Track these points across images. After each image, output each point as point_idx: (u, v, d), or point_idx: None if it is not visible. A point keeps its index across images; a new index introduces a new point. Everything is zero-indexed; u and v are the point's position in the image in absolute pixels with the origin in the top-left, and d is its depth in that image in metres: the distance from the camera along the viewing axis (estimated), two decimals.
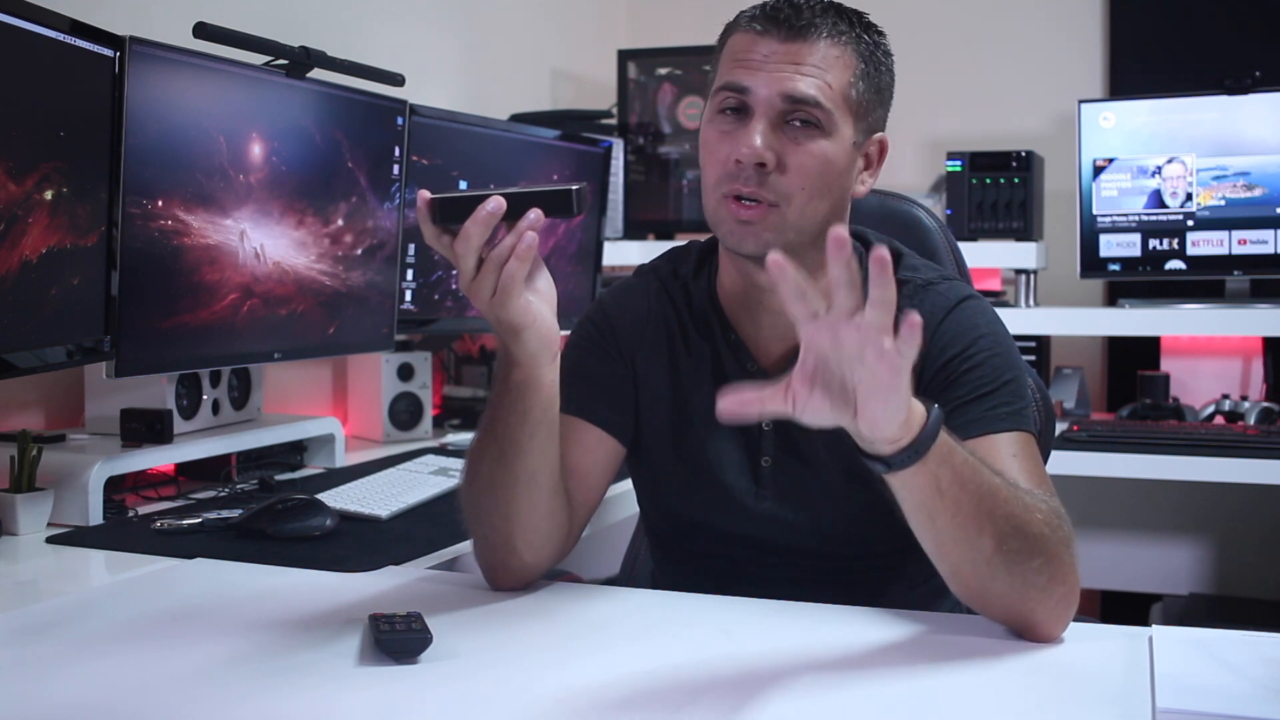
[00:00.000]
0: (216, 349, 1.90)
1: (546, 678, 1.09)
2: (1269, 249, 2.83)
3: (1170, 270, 2.91)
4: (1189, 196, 2.89)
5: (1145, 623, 1.36)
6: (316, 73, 2.02)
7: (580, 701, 1.03)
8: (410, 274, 2.36)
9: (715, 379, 1.42)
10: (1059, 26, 3.38)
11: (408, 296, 2.36)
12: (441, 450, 2.28)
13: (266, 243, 1.95)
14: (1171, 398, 2.88)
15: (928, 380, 1.32)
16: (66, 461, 1.71)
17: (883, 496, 1.17)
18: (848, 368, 1.02)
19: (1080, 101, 2.98)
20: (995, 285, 3.12)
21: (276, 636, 1.19)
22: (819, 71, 1.29)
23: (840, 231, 0.98)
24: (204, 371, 1.97)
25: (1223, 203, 2.87)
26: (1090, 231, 2.95)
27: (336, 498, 1.76)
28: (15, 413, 1.90)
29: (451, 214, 1.19)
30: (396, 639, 1.11)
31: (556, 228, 2.57)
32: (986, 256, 2.94)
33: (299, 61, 1.97)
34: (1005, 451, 1.27)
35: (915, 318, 0.98)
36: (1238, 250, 2.86)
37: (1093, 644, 1.18)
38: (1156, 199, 2.91)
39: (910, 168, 3.40)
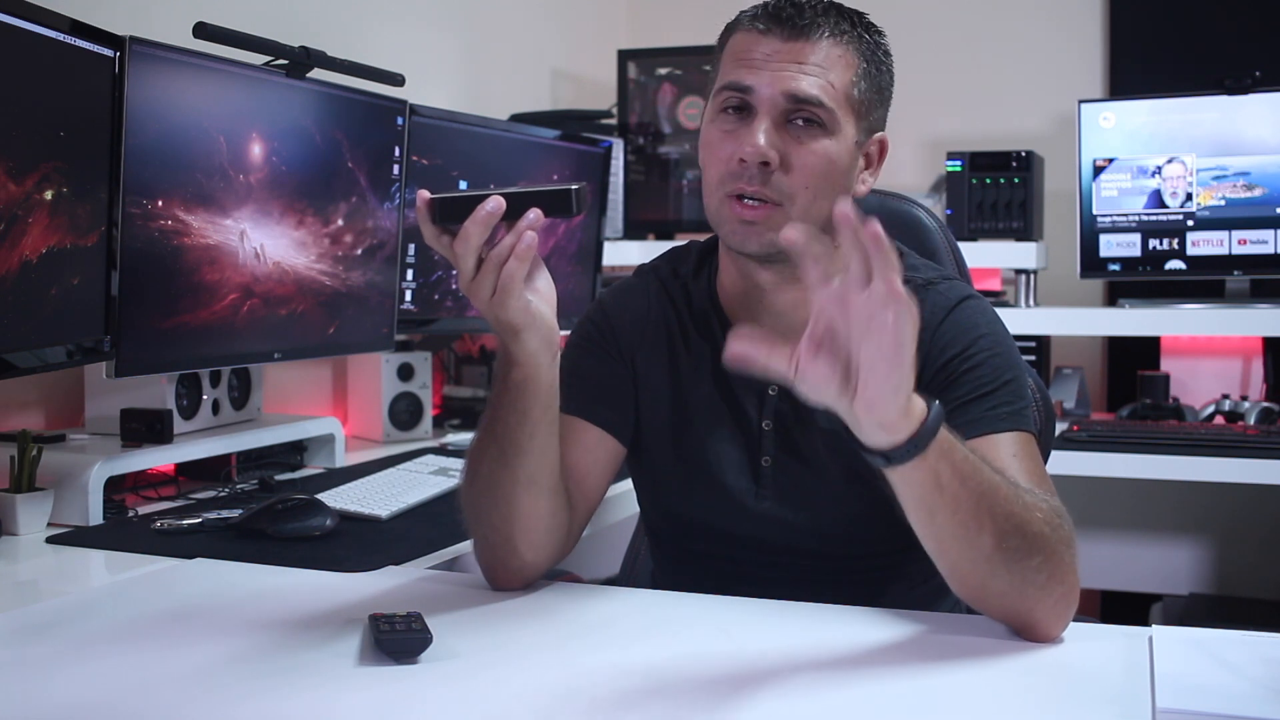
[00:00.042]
0: (216, 349, 1.90)
1: (546, 678, 1.09)
2: (1269, 249, 2.83)
3: (1170, 270, 2.91)
4: (1189, 196, 2.89)
5: (1145, 623, 1.36)
6: (316, 73, 2.02)
7: (580, 701, 1.03)
8: (410, 274, 2.36)
9: (715, 379, 1.42)
10: (1059, 26, 3.38)
11: (408, 296, 2.36)
12: (441, 450, 2.28)
13: (266, 243, 1.95)
14: (1171, 398, 2.88)
15: (928, 380, 1.31)
16: (66, 461, 1.71)
17: (883, 497, 1.17)
18: (855, 341, 1.01)
19: (1080, 101, 2.98)
20: (995, 285, 3.12)
21: (276, 636, 1.19)
22: (821, 71, 1.29)
23: (845, 206, 0.98)
24: (204, 371, 1.97)
25: (1223, 203, 2.87)
26: (1090, 231, 2.95)
27: (336, 498, 1.76)
28: (15, 413, 1.90)
29: (451, 214, 1.19)
30: (396, 639, 1.11)
31: (556, 228, 2.57)
32: (986, 256, 2.94)
33: (299, 61, 1.97)
34: (1005, 451, 1.27)
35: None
36: (1238, 250, 2.86)
37: (1093, 644, 1.18)
38: (1156, 199, 2.91)
39: (910, 168, 3.40)
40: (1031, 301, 2.94)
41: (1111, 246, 2.94)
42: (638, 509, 1.59)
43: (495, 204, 1.17)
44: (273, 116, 1.94)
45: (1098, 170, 2.95)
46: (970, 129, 3.40)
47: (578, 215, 1.22)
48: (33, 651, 1.16)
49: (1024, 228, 2.91)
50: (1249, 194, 2.85)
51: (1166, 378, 2.89)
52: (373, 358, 2.44)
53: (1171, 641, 1.15)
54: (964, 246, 1.78)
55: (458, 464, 1.95)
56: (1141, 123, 2.93)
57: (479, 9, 3.07)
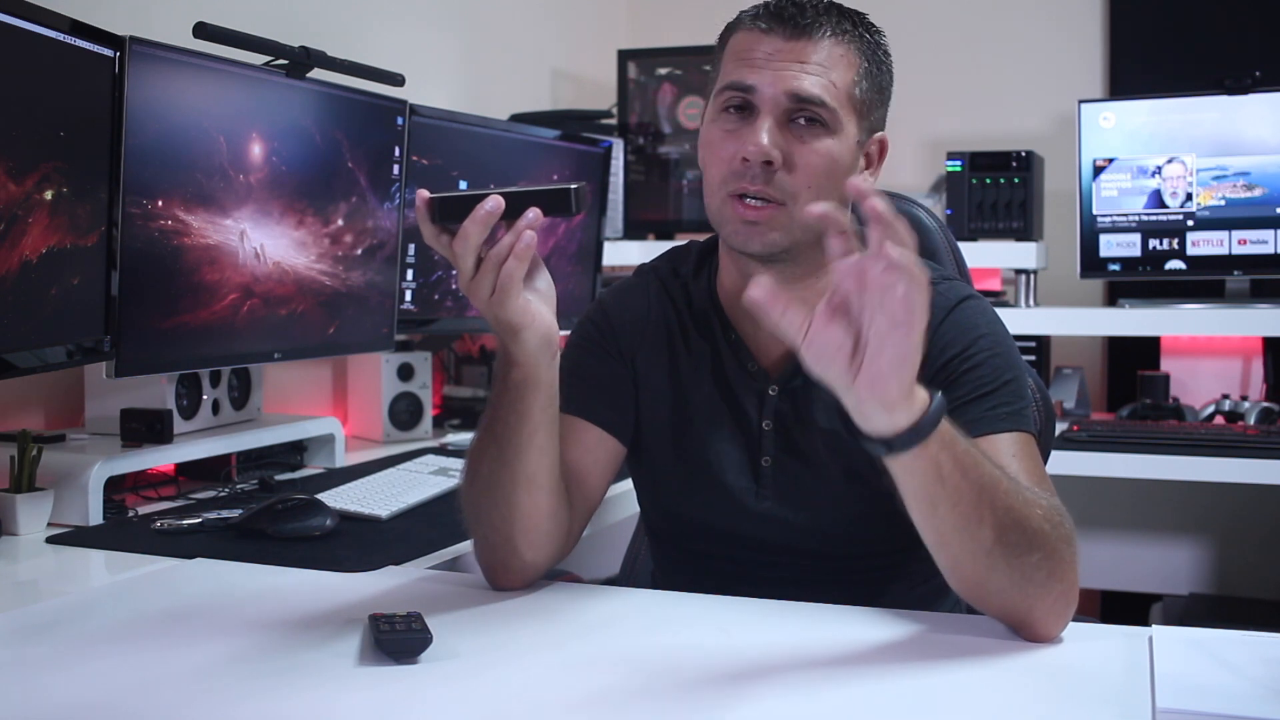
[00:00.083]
0: (216, 349, 1.90)
1: (546, 678, 1.09)
2: (1269, 249, 2.83)
3: (1170, 270, 2.91)
4: (1189, 196, 2.89)
5: (1145, 623, 1.36)
6: (316, 73, 2.02)
7: (580, 701, 1.03)
8: (410, 274, 2.36)
9: (715, 379, 1.42)
10: (1059, 26, 3.38)
11: (408, 296, 2.36)
12: (441, 450, 2.28)
13: (266, 243, 1.95)
14: (1171, 398, 2.88)
15: (928, 380, 1.30)
16: (66, 461, 1.71)
17: (883, 497, 1.17)
18: (868, 312, 1.02)
19: (1080, 101, 2.98)
20: (995, 285, 3.12)
21: (276, 636, 1.19)
22: (824, 70, 1.29)
23: (859, 181, 1.02)
24: (204, 371, 1.97)
25: (1223, 203, 2.87)
26: (1090, 231, 2.95)
27: (336, 498, 1.76)
28: (15, 413, 1.90)
29: (450, 213, 1.19)
30: (396, 639, 1.11)
31: (556, 228, 2.57)
32: (986, 256, 2.94)
33: (299, 61, 1.97)
34: (1005, 452, 1.27)
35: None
36: (1238, 250, 2.86)
37: (1093, 644, 1.18)
38: (1156, 199, 2.91)
39: (910, 168, 3.40)
40: (1031, 301, 2.94)
41: (1111, 246, 2.94)
42: (638, 509, 1.58)
43: (494, 203, 1.17)
44: (273, 116, 1.94)
45: (1098, 170, 2.95)
46: (970, 129, 3.40)
47: (577, 214, 1.22)
48: (33, 651, 1.16)
49: (1024, 228, 2.91)
50: (1249, 194, 2.85)
51: (1166, 378, 2.89)
52: (373, 358, 2.44)
53: (1171, 641, 1.15)
54: (964, 246, 1.78)
55: (458, 464, 1.95)
56: (1141, 123, 2.93)
57: (479, 9, 3.07)
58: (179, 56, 1.76)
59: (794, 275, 1.34)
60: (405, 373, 2.47)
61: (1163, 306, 2.85)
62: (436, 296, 2.44)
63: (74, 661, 1.12)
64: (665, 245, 1.74)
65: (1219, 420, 2.80)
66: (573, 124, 2.97)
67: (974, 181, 2.95)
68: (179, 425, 1.91)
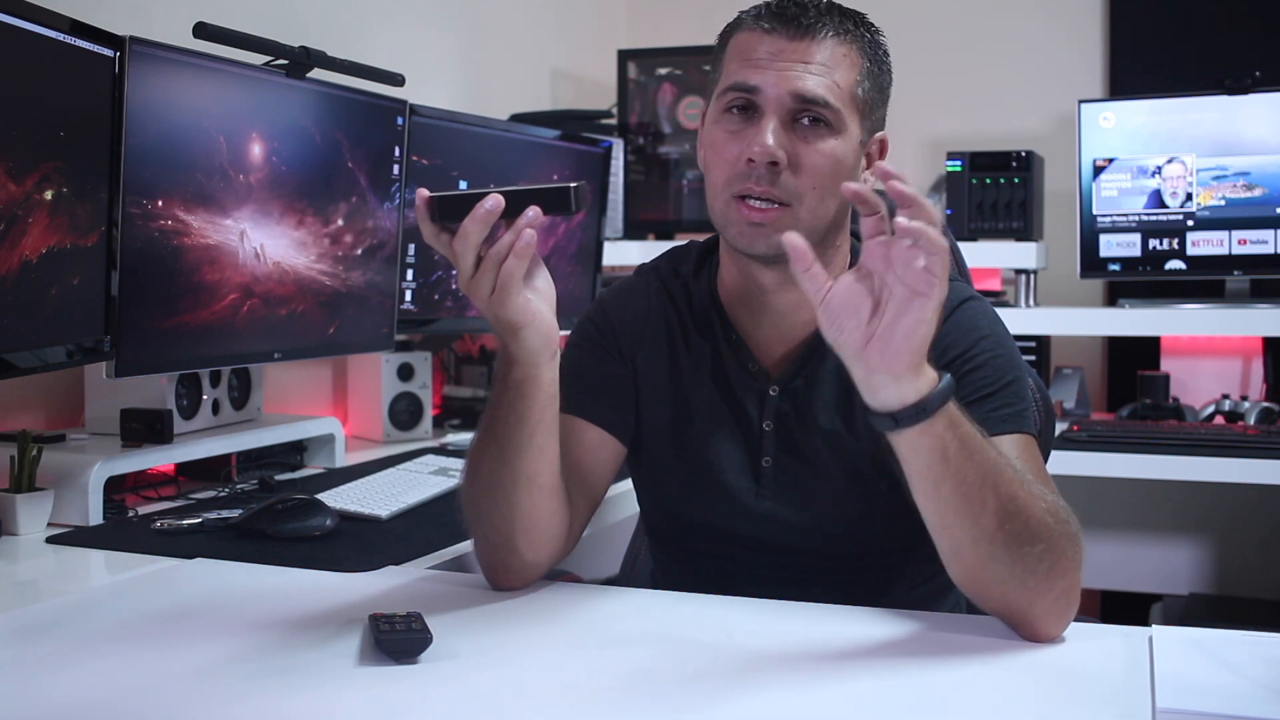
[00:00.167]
0: (216, 349, 1.90)
1: (546, 678, 1.09)
2: (1269, 249, 2.83)
3: (1170, 270, 2.91)
4: (1189, 196, 2.89)
5: (1145, 623, 1.36)
6: (316, 73, 2.02)
7: (580, 701, 1.03)
8: (410, 274, 2.36)
9: (716, 379, 1.42)
10: (1059, 26, 3.38)
11: (408, 296, 2.36)
12: (441, 450, 2.28)
13: (266, 243, 1.95)
14: (1171, 398, 2.88)
15: None
16: (66, 461, 1.71)
17: (883, 497, 1.17)
18: (890, 282, 1.06)
19: (1080, 101, 2.98)
20: (995, 285, 3.12)
21: (276, 636, 1.19)
22: (826, 70, 1.29)
23: (884, 165, 1.05)
24: (204, 371, 1.97)
25: (1223, 203, 2.87)
26: (1090, 231, 2.95)
27: (336, 498, 1.76)
28: (15, 413, 1.90)
29: (450, 212, 1.19)
30: (396, 639, 1.11)
31: (556, 227, 2.57)
32: (986, 256, 2.94)
33: (299, 61, 1.97)
34: (1006, 453, 1.27)
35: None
36: (1238, 250, 2.86)
37: (1093, 644, 1.18)
38: (1156, 199, 2.91)
39: (910, 168, 3.40)
40: (1031, 301, 2.94)
41: (1111, 246, 2.94)
42: (638, 509, 1.59)
43: (494, 202, 1.17)
44: (273, 116, 1.94)
45: (1098, 170, 2.94)
46: (970, 129, 3.40)
47: (577, 213, 1.22)
48: (33, 651, 1.16)
49: (1024, 228, 2.91)
50: (1249, 194, 2.85)
51: (1166, 378, 2.89)
52: (373, 358, 2.44)
53: (1171, 641, 1.15)
54: (964, 246, 1.78)
55: (458, 464, 1.95)
56: (1141, 123, 2.93)
57: (479, 9, 3.07)
58: (179, 56, 1.76)
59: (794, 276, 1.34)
60: (405, 373, 2.47)
61: (1163, 306, 2.85)
62: (436, 296, 2.44)
63: (74, 661, 1.12)
64: (665, 245, 1.74)
65: (1219, 420, 2.80)
66: (573, 124, 2.97)
67: (974, 181, 2.95)
68: (179, 425, 1.91)
